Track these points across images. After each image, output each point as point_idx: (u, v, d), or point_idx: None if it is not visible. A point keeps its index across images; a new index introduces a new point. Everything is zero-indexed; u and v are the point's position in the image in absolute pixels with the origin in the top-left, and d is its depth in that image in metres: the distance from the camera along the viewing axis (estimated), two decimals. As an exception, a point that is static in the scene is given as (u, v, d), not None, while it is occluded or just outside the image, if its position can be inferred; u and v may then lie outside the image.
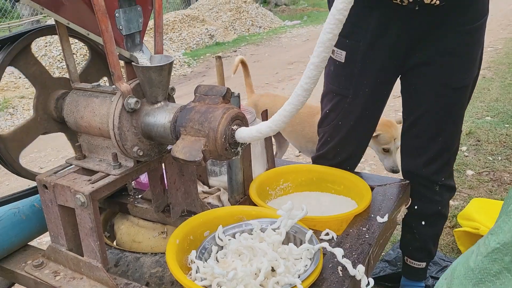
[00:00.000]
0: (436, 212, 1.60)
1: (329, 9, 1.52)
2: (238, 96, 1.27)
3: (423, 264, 1.72)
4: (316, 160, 1.68)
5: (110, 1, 0.93)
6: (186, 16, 9.25)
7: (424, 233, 1.64)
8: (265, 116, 1.51)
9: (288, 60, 6.94)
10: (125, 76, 1.03)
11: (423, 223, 1.61)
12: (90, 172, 1.10)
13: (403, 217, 1.46)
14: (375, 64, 1.43)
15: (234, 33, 9.80)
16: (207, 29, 9.10)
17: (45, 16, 8.99)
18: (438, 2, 1.26)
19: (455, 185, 1.63)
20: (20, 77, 5.97)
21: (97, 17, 0.90)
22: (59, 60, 6.31)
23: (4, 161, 1.12)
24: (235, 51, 8.03)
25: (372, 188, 1.46)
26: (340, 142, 1.58)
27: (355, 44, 1.43)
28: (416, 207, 1.55)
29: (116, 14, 0.95)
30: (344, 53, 1.45)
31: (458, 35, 1.36)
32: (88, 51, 1.27)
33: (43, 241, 2.39)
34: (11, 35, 1.09)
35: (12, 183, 3.23)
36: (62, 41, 1.10)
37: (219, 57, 1.49)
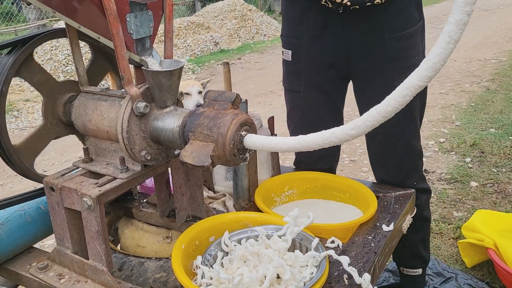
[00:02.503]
0: (418, 215, 1.61)
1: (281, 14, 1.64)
2: (246, 102, 1.28)
3: (419, 271, 1.74)
4: (295, 165, 1.74)
5: (121, 5, 0.93)
6: (191, 23, 9.30)
7: (412, 239, 1.66)
8: (271, 122, 1.51)
9: (292, 68, 6.95)
10: (134, 80, 1.03)
11: (408, 229, 1.63)
12: (97, 175, 1.11)
13: (408, 226, 1.46)
14: (318, 61, 1.52)
15: (239, 40, 9.83)
16: (212, 36, 9.14)
17: (51, 20, 9.05)
18: (349, 3, 1.34)
19: (429, 187, 1.68)
20: (25, 81, 6.00)
21: (108, 21, 0.90)
22: (64, 64, 6.34)
23: (20, 171, 1.13)
24: (240, 59, 8.06)
25: (377, 197, 1.45)
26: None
27: (299, 42, 1.53)
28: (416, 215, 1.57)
29: (127, 19, 0.95)
30: (290, 52, 1.56)
31: (393, 40, 1.44)
32: (89, 49, 1.27)
33: (45, 244, 2.39)
34: (20, 38, 1.10)
35: (16, 186, 3.24)
36: (72, 45, 1.11)
37: (227, 63, 1.49)
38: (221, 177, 1.48)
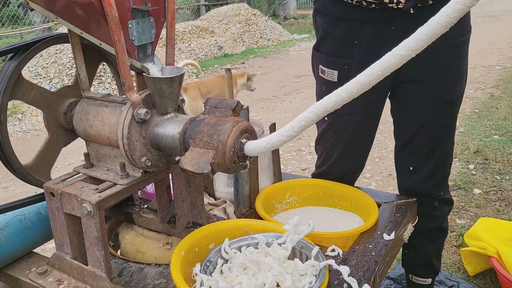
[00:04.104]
0: (436, 227, 1.60)
1: (316, 28, 1.54)
2: (247, 109, 1.27)
3: (429, 280, 1.72)
4: (317, 177, 1.68)
5: (123, 12, 0.94)
6: (196, 27, 9.32)
7: (426, 249, 1.64)
8: (273, 129, 1.51)
9: (295, 73, 6.95)
10: (135, 86, 1.03)
11: (425, 239, 1.60)
12: (97, 181, 1.10)
13: (410, 235, 1.45)
14: None
15: (243, 45, 9.85)
16: (216, 40, 9.16)
17: (56, 24, 9.10)
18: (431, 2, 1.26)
19: (452, 198, 1.64)
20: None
21: (110, 28, 0.90)
22: (68, 67, 6.36)
23: (40, 185, 1.14)
24: (243, 63, 8.07)
25: (378, 205, 1.45)
26: (338, 158, 1.59)
27: (348, 62, 1.42)
28: (417, 223, 1.55)
29: (129, 25, 0.95)
30: (336, 72, 1.45)
31: (450, 48, 1.37)
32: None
33: (46, 248, 2.39)
34: (23, 43, 1.10)
35: (18, 188, 3.25)
36: (75, 50, 1.11)
37: (229, 70, 1.49)
38: (223, 184, 1.48)
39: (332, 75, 1.45)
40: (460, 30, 1.39)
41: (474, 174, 3.02)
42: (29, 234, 1.20)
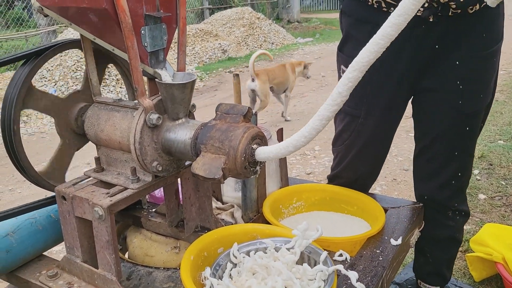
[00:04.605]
0: (449, 237, 1.59)
1: (341, 28, 1.54)
2: (256, 114, 1.28)
3: None
4: (331, 179, 1.68)
5: (136, 18, 0.95)
6: (200, 30, 9.36)
7: (437, 257, 1.63)
8: (280, 133, 1.52)
9: (300, 77, 6.96)
10: (147, 91, 1.05)
11: (436, 247, 1.60)
12: (108, 185, 1.12)
13: (416, 240, 1.46)
14: (387, 86, 1.43)
15: (247, 48, 9.88)
16: (220, 44, 9.19)
17: (61, 26, 9.14)
18: (455, 6, 1.24)
19: (469, 210, 1.62)
20: (34, 85, 6.04)
21: (123, 34, 0.92)
22: (73, 70, 6.39)
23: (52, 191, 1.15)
24: (247, 67, 8.09)
25: (385, 210, 1.45)
26: (352, 161, 1.59)
27: None
28: (429, 231, 1.55)
29: (142, 32, 0.97)
30: None
31: (473, 60, 1.35)
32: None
33: (53, 250, 2.40)
34: (35, 49, 1.11)
35: (24, 191, 3.26)
36: (87, 55, 1.12)
37: (237, 75, 1.50)
38: (230, 188, 1.49)
39: None
40: (486, 40, 1.35)
41: (479, 180, 3.02)
42: (40, 237, 1.21)
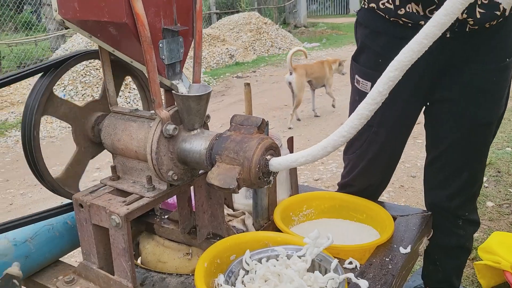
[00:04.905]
0: (459, 245, 1.60)
1: (356, 39, 1.56)
2: (267, 124, 1.31)
3: None
4: (342, 187, 1.70)
5: (155, 32, 0.98)
6: (207, 35, 9.41)
7: (446, 265, 1.64)
8: (290, 143, 1.54)
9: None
10: (164, 103, 1.07)
11: (446, 255, 1.61)
12: (124, 193, 1.14)
13: (425, 248, 1.47)
14: (401, 96, 1.45)
15: (254, 53, 9.93)
16: (227, 49, 9.24)
17: (69, 31, 9.22)
18: (472, 22, 1.26)
19: (479, 219, 1.63)
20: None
21: (143, 48, 0.95)
22: (82, 75, 6.45)
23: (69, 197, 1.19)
24: (254, 72, 8.13)
25: (394, 218, 1.47)
26: (364, 170, 1.60)
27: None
28: (439, 239, 1.56)
29: (160, 45, 1.00)
30: (369, 83, 1.47)
31: (487, 73, 1.36)
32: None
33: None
34: (55, 61, 1.14)
35: (35, 195, 3.30)
36: (104, 66, 1.16)
37: (248, 84, 1.53)
38: (241, 195, 1.51)
39: (365, 86, 1.47)
40: (501, 53, 1.36)
41: (486, 187, 3.03)
42: (57, 244, 1.24)
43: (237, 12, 12.36)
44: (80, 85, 6.31)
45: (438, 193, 1.56)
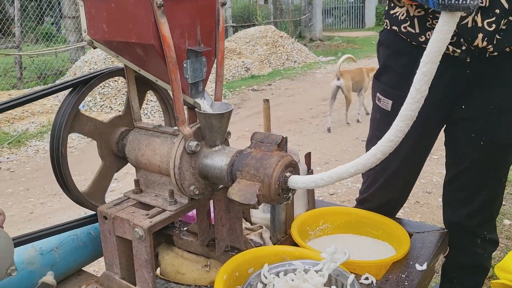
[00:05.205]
0: (477, 264, 1.60)
1: (378, 58, 1.59)
2: (286, 141, 1.34)
3: None
4: (360, 202, 1.71)
5: (180, 53, 1.02)
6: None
7: (464, 283, 1.64)
8: (308, 158, 1.57)
9: (322, 96, 7.01)
10: (186, 120, 1.11)
11: (463, 274, 1.61)
12: (146, 206, 1.18)
13: (441, 265, 1.48)
14: (421, 115, 1.46)
15: (269, 66, 9.99)
16: (243, 61, 9.32)
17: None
18: (492, 49, 1.28)
19: (497, 238, 1.63)
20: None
21: (168, 68, 0.99)
22: (100, 87, 6.56)
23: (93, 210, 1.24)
24: (270, 85, 8.18)
25: (410, 235, 1.48)
26: (382, 186, 1.62)
27: (402, 94, 1.45)
28: (457, 257, 1.56)
29: (184, 65, 1.04)
30: (390, 102, 1.50)
31: (507, 93, 1.38)
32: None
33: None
34: (82, 78, 1.19)
35: (55, 204, 3.37)
36: (129, 83, 1.21)
37: (267, 100, 1.56)
38: (259, 209, 1.54)
39: (386, 104, 1.50)
40: None
41: (504, 205, 3.00)
42: (81, 253, 1.28)
43: (253, 25, 12.47)
44: (99, 96, 6.42)
45: (457, 211, 1.57)
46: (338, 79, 5.30)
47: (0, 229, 0.79)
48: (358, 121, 5.60)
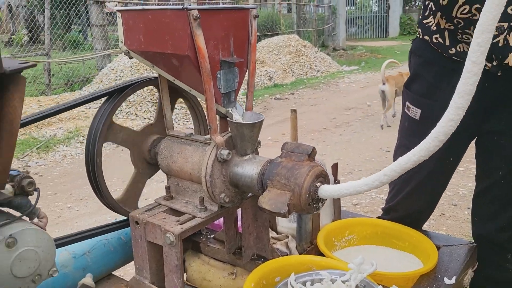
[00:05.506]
0: (507, 280, 1.58)
1: (409, 67, 1.59)
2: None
3: None
4: (386, 211, 1.71)
5: (213, 64, 1.05)
6: (247, 57, 9.55)
7: None
8: (335, 169, 1.57)
9: (345, 105, 7.00)
10: (218, 129, 1.14)
11: None
12: (176, 212, 1.21)
13: (470, 280, 1.46)
14: None
15: (292, 75, 10.01)
16: (266, 70, 9.37)
17: (115, 50, 9.59)
18: None
19: None
20: (90, 107, 6.40)
21: (202, 78, 1.02)
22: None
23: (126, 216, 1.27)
24: (293, 94, 8.20)
25: (437, 248, 1.47)
26: (409, 196, 1.61)
27: (432, 103, 1.46)
28: (487, 272, 1.54)
29: (218, 75, 1.07)
30: (419, 111, 1.50)
31: None
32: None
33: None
34: (116, 87, 1.23)
35: (82, 209, 3.44)
36: (163, 93, 1.24)
37: (295, 111, 1.57)
38: (285, 219, 1.55)
39: (415, 113, 1.50)
40: None
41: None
42: (111, 258, 1.31)
43: (277, 34, 12.54)
44: (125, 103, 6.54)
45: (486, 225, 1.55)
46: (384, 83, 5.57)
47: (43, 231, 0.82)
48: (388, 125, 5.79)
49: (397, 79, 5.74)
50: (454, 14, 1.30)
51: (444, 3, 1.30)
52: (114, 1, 9.61)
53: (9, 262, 0.78)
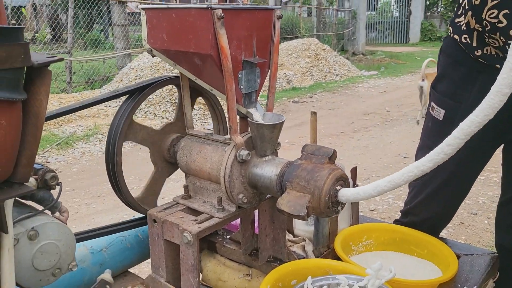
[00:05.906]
0: None
1: (437, 66, 1.57)
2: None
3: None
4: (404, 214, 1.68)
5: (236, 64, 1.05)
6: (266, 59, 9.56)
7: None
8: (354, 173, 1.56)
9: (364, 110, 6.95)
10: (238, 129, 1.13)
11: None
12: (194, 211, 1.21)
13: (490, 291, 1.43)
14: (475, 135, 1.44)
15: (311, 79, 9.98)
16: (285, 73, 9.35)
17: (136, 50, 9.70)
18: None
19: None
20: (109, 106, 6.47)
21: (224, 78, 1.01)
22: (146, 93, 6.74)
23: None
24: (311, 97, 8.17)
25: (458, 256, 1.44)
26: (426, 199, 1.59)
27: (456, 105, 1.44)
28: (508, 284, 1.51)
29: (240, 75, 1.06)
30: (443, 111, 1.48)
31: None
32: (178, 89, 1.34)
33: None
34: (138, 86, 1.24)
35: (98, 206, 3.47)
36: (184, 92, 1.24)
37: (315, 113, 1.56)
38: (302, 222, 1.54)
39: (439, 113, 1.48)
40: None
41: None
42: (128, 255, 1.31)
43: (296, 37, 12.52)
44: (143, 103, 6.59)
45: (509, 236, 1.51)
46: (423, 80, 5.78)
47: (65, 225, 0.83)
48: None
49: (433, 75, 5.79)
50: (483, 16, 1.28)
51: (477, 3, 1.28)
52: (136, 1, 9.71)
53: (30, 254, 0.79)
